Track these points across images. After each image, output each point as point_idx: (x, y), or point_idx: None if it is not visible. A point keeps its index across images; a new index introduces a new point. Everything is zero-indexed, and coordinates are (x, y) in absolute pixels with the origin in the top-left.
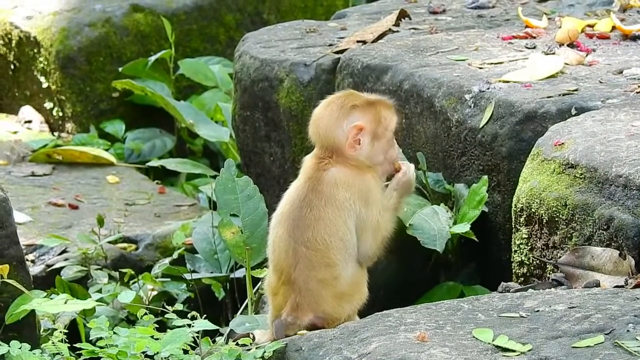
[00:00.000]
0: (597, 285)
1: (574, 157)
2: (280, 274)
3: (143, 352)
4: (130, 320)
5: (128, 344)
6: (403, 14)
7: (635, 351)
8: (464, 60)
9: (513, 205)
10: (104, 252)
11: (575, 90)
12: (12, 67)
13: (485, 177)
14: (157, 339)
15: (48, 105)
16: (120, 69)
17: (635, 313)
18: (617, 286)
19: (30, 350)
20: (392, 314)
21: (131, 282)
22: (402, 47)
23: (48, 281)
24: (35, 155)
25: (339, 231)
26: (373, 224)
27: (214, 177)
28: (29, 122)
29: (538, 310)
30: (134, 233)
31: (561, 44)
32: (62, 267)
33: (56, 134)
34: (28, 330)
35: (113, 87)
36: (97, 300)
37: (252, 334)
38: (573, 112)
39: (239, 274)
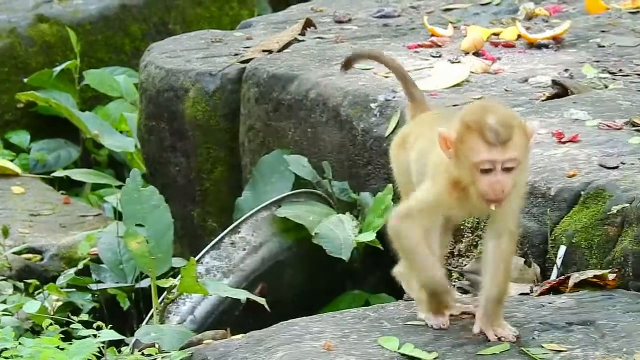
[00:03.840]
0: None
1: None
2: None
3: None
4: (36, 331)
5: (34, 355)
6: (309, 24)
7: (541, 358)
8: (369, 69)
9: None
10: (9, 263)
11: (481, 98)
12: None
13: (391, 185)
14: (62, 350)
15: None
16: (25, 80)
17: (541, 320)
18: (522, 294)
19: None
20: (298, 323)
21: (36, 292)
22: (308, 56)
23: None
24: None
25: None
26: None
27: (120, 187)
28: None
29: None
30: (39, 244)
31: (467, 53)
32: None
33: None
34: None
35: (18, 98)
36: (2, 311)
37: None
38: None
39: (144, 284)
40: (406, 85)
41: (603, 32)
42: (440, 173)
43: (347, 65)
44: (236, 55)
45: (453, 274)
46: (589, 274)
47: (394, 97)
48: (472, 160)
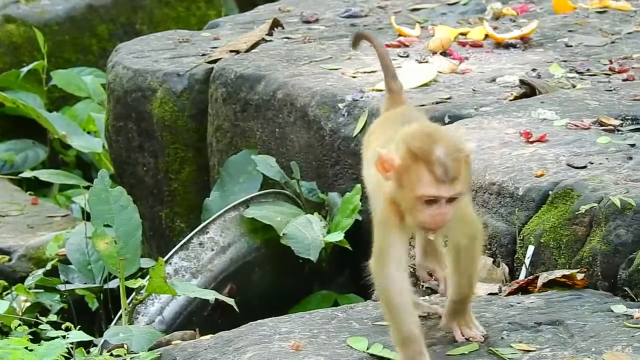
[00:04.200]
0: None
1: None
2: None
3: None
4: (4, 332)
5: (2, 356)
6: (276, 23)
7: (509, 358)
8: (337, 69)
9: None
10: None
11: (449, 98)
12: None
13: (359, 185)
14: (31, 350)
15: None
16: None
17: (510, 320)
18: (491, 293)
19: None
20: (266, 323)
21: (4, 293)
22: (276, 56)
23: None
24: None
25: None
26: None
27: (87, 188)
28: None
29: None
30: (7, 244)
31: (434, 53)
32: None
33: None
34: None
35: None
36: None
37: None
38: (446, 120)
39: (112, 284)
40: (386, 75)
41: (570, 31)
42: (380, 191)
43: (355, 44)
44: (203, 55)
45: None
46: (557, 273)
47: (362, 97)
48: (417, 193)
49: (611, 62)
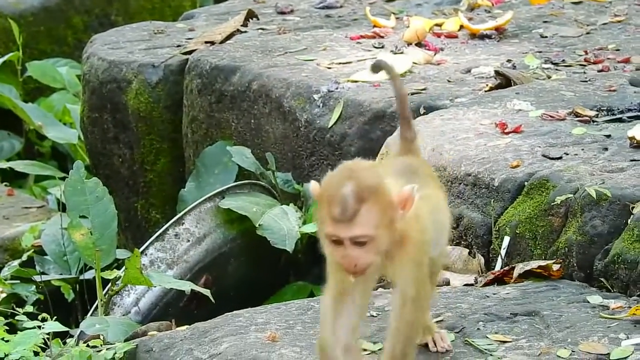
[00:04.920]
0: (447, 283)
1: (423, 156)
2: None
3: None
4: None
5: None
6: (251, 15)
7: (485, 349)
8: (312, 60)
9: None
10: None
11: (424, 89)
12: None
13: None
14: (7, 341)
15: None
16: None
17: (485, 311)
18: (467, 284)
19: None
20: (242, 314)
21: None
22: (250, 47)
23: None
24: None
25: None
26: None
27: (63, 179)
28: None
29: (388, 310)
30: None
31: (409, 43)
32: None
33: None
34: None
35: None
36: None
37: None
38: (422, 111)
39: (88, 275)
40: (402, 122)
41: (545, 22)
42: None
43: (374, 69)
44: (178, 46)
45: None
46: (533, 264)
47: (337, 88)
48: (323, 230)
49: (586, 53)
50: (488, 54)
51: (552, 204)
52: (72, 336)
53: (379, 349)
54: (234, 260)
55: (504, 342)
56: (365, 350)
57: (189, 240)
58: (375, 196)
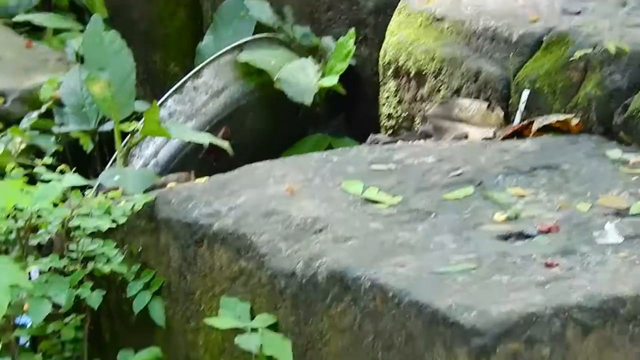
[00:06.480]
0: (466, 137)
1: (441, 11)
2: None
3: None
4: None
5: None
6: None
7: (503, 203)
8: None
9: (380, 59)
10: None
11: None
12: None
13: (353, 30)
14: (27, 193)
15: None
16: None
17: (504, 165)
18: (485, 138)
19: None
20: (260, 166)
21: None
22: None
23: None
24: None
25: None
26: None
27: (81, 32)
28: None
29: (407, 163)
30: (1, 87)
31: None
32: None
33: None
34: None
35: None
36: None
37: None
38: None
39: (107, 127)
40: None
41: None
42: None
43: None
44: None
45: (416, 119)
46: (552, 118)
47: None
48: None
49: None
50: None
51: (571, 58)
52: (91, 187)
53: (398, 202)
54: (252, 113)
55: (523, 196)
56: (384, 202)
57: (207, 93)
58: None
